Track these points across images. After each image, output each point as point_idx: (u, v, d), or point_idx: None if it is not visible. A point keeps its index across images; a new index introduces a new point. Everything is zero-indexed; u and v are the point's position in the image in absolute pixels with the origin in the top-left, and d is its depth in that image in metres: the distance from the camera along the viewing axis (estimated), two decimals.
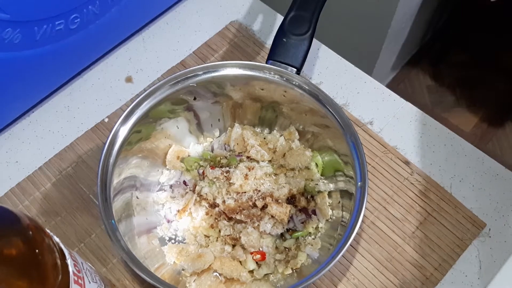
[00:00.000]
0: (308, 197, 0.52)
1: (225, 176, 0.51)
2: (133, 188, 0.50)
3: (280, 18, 0.65)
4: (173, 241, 0.51)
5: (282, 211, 0.49)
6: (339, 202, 0.50)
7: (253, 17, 0.66)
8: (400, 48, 1.27)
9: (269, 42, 0.63)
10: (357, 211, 0.42)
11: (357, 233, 0.41)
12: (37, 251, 0.31)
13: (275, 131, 0.55)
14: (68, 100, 0.60)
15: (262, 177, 0.51)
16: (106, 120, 0.59)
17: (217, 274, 0.49)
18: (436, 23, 1.39)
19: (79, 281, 0.35)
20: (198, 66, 0.49)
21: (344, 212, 0.49)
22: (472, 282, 0.49)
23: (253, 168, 0.51)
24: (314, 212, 0.51)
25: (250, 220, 0.49)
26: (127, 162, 0.48)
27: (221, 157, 0.54)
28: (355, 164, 0.45)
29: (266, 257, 0.49)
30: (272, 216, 0.49)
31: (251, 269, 0.48)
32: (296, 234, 0.50)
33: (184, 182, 0.53)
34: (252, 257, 0.48)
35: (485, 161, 0.55)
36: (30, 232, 0.31)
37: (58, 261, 0.33)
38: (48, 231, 0.34)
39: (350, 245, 0.41)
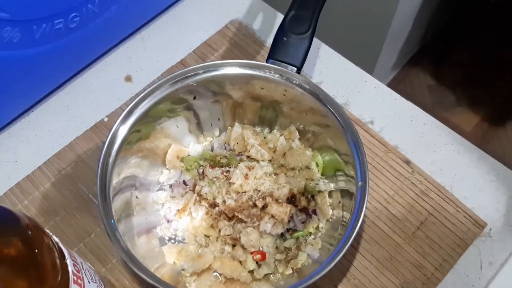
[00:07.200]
0: (309, 197, 0.52)
1: (225, 176, 0.51)
2: (133, 187, 0.50)
3: (280, 17, 0.64)
4: (172, 241, 0.51)
5: (282, 211, 0.48)
6: (340, 201, 0.50)
7: (253, 16, 0.66)
8: (400, 47, 1.27)
9: (269, 41, 0.63)
10: (357, 211, 0.42)
11: (357, 233, 0.41)
12: (36, 251, 0.30)
13: (275, 130, 0.55)
14: (68, 100, 0.60)
15: (262, 176, 0.51)
16: (106, 119, 0.58)
17: (217, 274, 0.49)
18: (437, 23, 1.38)
19: (79, 281, 0.35)
20: (198, 65, 0.49)
21: (344, 212, 0.48)
22: (473, 282, 0.49)
23: (253, 168, 0.51)
24: (314, 212, 0.51)
25: (250, 220, 0.49)
26: (127, 161, 0.48)
27: (221, 157, 0.54)
28: (355, 164, 0.45)
29: (266, 257, 0.48)
30: (272, 216, 0.49)
31: (251, 269, 0.48)
32: (297, 234, 0.50)
33: (184, 182, 0.53)
34: (252, 257, 0.48)
35: (486, 160, 0.55)
36: (29, 232, 0.31)
37: (58, 261, 0.32)
38: (47, 230, 0.34)
39: (351, 245, 0.41)
